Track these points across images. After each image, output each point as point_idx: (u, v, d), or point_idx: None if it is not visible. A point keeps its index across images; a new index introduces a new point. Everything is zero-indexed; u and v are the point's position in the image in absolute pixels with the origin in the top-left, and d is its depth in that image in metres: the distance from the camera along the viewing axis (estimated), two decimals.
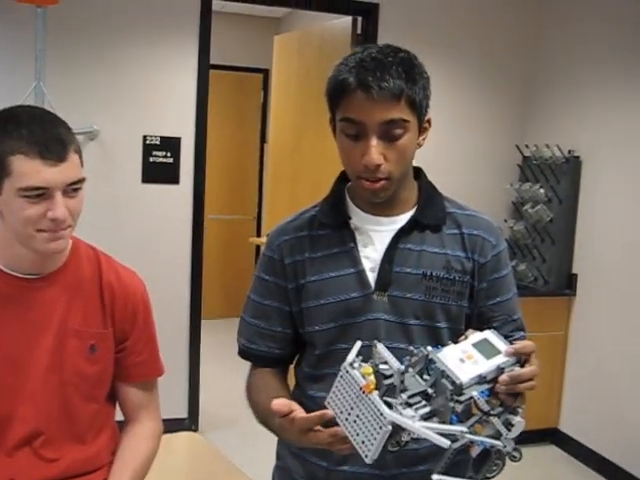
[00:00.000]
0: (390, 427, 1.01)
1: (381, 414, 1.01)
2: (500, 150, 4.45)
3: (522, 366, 1.11)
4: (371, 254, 1.37)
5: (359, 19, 4.16)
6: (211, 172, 4.14)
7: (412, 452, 1.33)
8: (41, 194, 1.31)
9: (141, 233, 3.87)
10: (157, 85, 3.83)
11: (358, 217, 1.40)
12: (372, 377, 1.04)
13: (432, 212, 1.39)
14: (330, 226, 1.41)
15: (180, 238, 3.96)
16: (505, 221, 4.37)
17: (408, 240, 1.37)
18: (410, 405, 1.05)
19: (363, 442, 1.04)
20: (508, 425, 1.08)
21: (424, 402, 1.06)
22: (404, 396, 1.04)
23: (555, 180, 4.08)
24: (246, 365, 1.52)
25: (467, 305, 1.38)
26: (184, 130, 3.89)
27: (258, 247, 6.51)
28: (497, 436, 1.08)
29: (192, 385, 4.06)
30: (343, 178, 1.45)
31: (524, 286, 4.16)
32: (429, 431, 1.00)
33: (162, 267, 3.82)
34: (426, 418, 1.05)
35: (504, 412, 1.10)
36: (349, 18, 4.19)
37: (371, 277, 1.36)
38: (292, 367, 1.54)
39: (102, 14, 3.69)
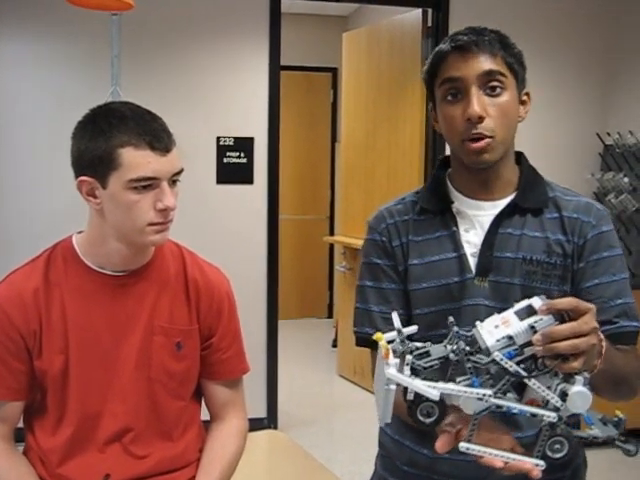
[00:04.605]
0: (392, 386, 1.00)
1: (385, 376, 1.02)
2: (580, 139, 4.29)
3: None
4: (472, 239, 1.36)
5: (429, 11, 4.09)
6: (283, 172, 4.14)
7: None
8: (148, 185, 1.32)
9: (217, 234, 3.90)
10: (229, 87, 3.86)
11: (460, 202, 1.39)
12: (383, 342, 1.04)
13: (533, 196, 1.36)
14: (431, 212, 1.41)
15: (256, 238, 3.97)
16: None
17: (508, 224, 1.34)
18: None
19: (379, 405, 1.05)
20: (563, 395, 1.01)
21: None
22: (410, 357, 1.02)
23: None
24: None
25: (570, 290, 1.32)
26: (257, 130, 3.90)
27: (332, 246, 6.48)
28: (555, 410, 1.02)
29: (270, 385, 4.07)
30: (442, 165, 1.46)
31: None
32: (420, 384, 1.00)
33: (238, 268, 3.80)
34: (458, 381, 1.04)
35: (560, 380, 1.01)
36: (419, 11, 4.12)
37: (472, 262, 1.34)
38: None
39: (173, 19, 3.75)
